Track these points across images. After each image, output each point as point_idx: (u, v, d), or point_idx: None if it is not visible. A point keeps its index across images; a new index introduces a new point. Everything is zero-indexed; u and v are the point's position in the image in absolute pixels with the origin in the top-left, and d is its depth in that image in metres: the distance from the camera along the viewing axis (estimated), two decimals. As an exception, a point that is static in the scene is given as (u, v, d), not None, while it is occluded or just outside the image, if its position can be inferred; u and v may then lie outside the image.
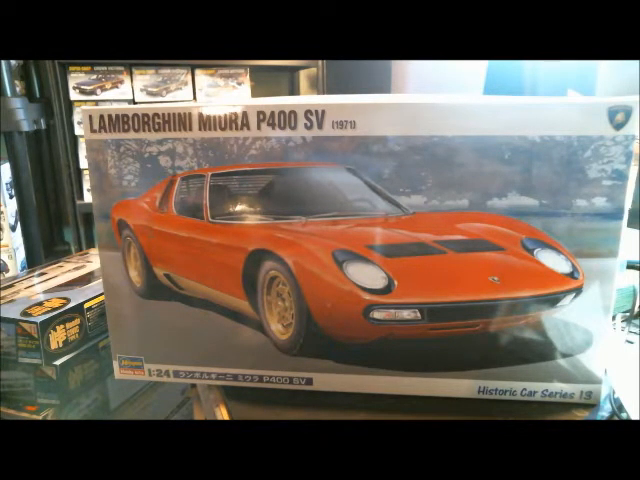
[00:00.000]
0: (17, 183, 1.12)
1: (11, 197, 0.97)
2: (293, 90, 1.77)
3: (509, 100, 0.44)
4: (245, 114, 0.46)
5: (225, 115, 0.46)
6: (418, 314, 0.47)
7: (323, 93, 1.54)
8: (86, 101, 1.41)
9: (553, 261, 0.46)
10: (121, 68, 1.43)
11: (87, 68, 1.41)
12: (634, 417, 0.45)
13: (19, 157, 1.19)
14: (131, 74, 1.44)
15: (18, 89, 1.40)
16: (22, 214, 1.09)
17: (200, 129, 0.47)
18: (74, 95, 1.41)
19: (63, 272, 0.75)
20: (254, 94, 1.56)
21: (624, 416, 0.46)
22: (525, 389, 0.49)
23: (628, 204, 0.45)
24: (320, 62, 1.52)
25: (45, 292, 0.67)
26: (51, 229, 1.64)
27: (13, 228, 0.94)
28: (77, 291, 0.66)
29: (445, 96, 0.45)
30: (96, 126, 0.49)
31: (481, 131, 0.44)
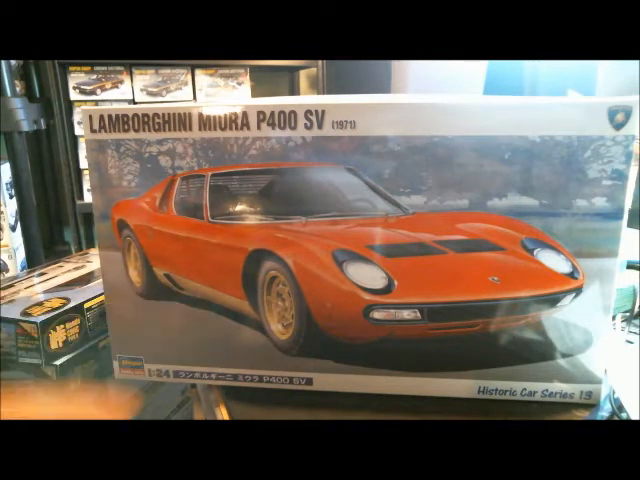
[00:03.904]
0: (17, 183, 1.11)
1: (11, 197, 0.97)
2: (293, 90, 1.77)
3: (509, 100, 0.44)
4: (245, 114, 0.46)
5: (225, 115, 0.46)
6: (418, 314, 0.47)
7: (323, 93, 1.54)
8: (86, 101, 1.41)
9: (553, 261, 0.46)
10: (121, 68, 1.43)
11: (87, 68, 1.41)
12: (634, 417, 0.45)
13: (19, 157, 1.19)
14: (131, 74, 1.44)
15: (18, 89, 1.40)
16: (22, 214, 1.08)
17: (200, 129, 0.47)
18: (74, 95, 1.41)
19: (63, 272, 0.74)
20: (254, 94, 1.56)
21: (624, 416, 0.46)
22: (525, 389, 0.49)
23: (628, 204, 0.45)
24: (320, 62, 1.52)
25: (45, 292, 0.67)
26: (51, 229, 1.64)
27: (13, 228, 0.94)
28: (77, 291, 0.66)
29: (445, 96, 0.45)
30: (96, 126, 0.49)
31: (481, 131, 0.44)
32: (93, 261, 0.80)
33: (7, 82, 1.21)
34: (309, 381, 0.51)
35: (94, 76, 1.41)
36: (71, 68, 1.40)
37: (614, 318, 0.63)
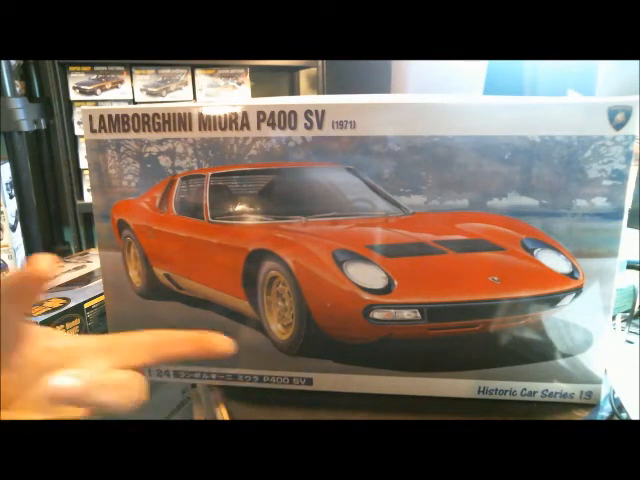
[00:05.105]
0: (17, 183, 1.12)
1: (11, 197, 0.96)
2: (293, 90, 1.77)
3: (509, 100, 0.44)
4: (245, 114, 0.46)
5: (225, 115, 0.46)
6: (418, 314, 0.47)
7: (323, 93, 1.54)
8: (86, 101, 1.41)
9: (553, 261, 0.46)
10: (121, 68, 1.43)
11: (87, 68, 1.41)
12: (634, 417, 0.45)
13: (19, 157, 1.19)
14: (131, 74, 1.44)
15: (18, 89, 1.40)
16: (22, 214, 1.09)
17: (200, 129, 0.47)
18: (74, 95, 1.41)
19: (63, 272, 0.74)
20: (254, 94, 1.56)
21: (624, 416, 0.46)
22: (525, 389, 0.49)
23: (628, 204, 0.45)
24: (320, 62, 1.52)
25: (45, 292, 0.67)
26: (51, 229, 1.64)
27: (13, 228, 0.94)
28: (77, 291, 0.66)
29: (445, 96, 0.45)
30: (96, 126, 0.49)
31: (481, 131, 0.44)
32: (93, 261, 0.80)
33: (7, 82, 1.21)
34: (309, 381, 0.51)
35: (94, 76, 1.41)
36: (71, 68, 1.40)
37: (614, 318, 0.63)
